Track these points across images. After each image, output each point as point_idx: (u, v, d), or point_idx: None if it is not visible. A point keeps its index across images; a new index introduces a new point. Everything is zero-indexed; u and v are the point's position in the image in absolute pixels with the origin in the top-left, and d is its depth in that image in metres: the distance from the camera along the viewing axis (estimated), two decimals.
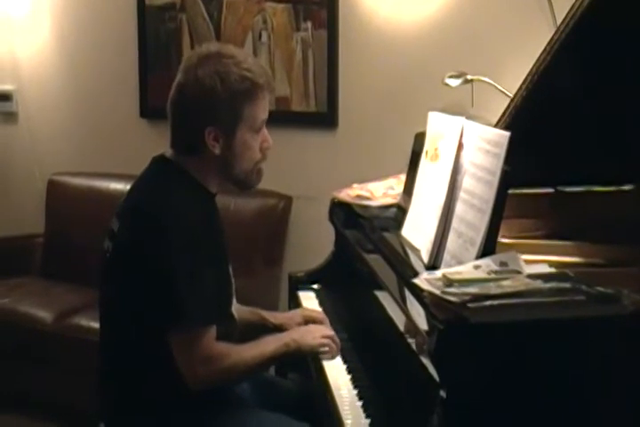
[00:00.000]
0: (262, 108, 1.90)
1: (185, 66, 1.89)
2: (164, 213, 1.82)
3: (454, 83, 2.87)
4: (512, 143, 1.58)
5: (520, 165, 1.58)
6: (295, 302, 2.41)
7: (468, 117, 1.84)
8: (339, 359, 1.99)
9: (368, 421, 1.69)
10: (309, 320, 2.17)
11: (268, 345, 1.92)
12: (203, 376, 1.81)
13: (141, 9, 3.78)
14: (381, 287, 1.90)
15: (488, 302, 1.42)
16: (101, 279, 1.94)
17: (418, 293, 1.54)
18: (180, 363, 1.80)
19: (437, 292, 1.47)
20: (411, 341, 1.64)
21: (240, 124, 1.86)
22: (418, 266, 1.79)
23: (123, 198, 1.96)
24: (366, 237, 2.16)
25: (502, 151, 1.59)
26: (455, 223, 1.73)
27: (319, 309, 2.31)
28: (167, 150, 1.95)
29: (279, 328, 2.15)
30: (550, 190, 2.15)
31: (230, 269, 2.00)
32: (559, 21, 1.87)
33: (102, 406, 1.97)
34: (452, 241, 1.72)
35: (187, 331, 1.80)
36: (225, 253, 1.98)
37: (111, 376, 1.94)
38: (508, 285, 1.47)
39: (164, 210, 1.82)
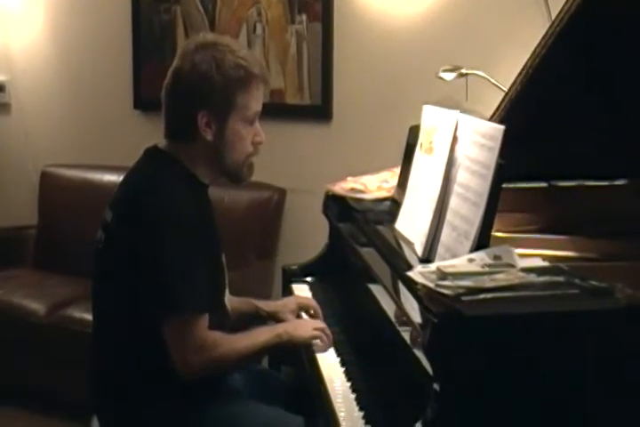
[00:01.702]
0: (255, 99, 1.91)
1: (182, 52, 1.91)
2: (157, 203, 1.82)
3: (449, 76, 2.87)
4: (506, 137, 1.58)
5: (514, 158, 1.58)
6: (289, 295, 2.40)
7: (463, 111, 1.84)
8: (332, 352, 1.99)
9: (362, 413, 1.69)
10: (302, 308, 2.19)
11: (261, 335, 1.93)
12: (195, 365, 1.81)
13: (136, 0, 3.77)
14: (375, 280, 1.90)
15: (482, 296, 1.43)
16: (94, 270, 1.94)
17: (412, 286, 1.54)
18: (172, 351, 1.81)
19: (431, 285, 1.47)
20: (404, 334, 1.64)
21: (233, 111, 1.87)
22: (412, 259, 1.80)
23: (116, 189, 1.96)
24: (360, 230, 2.16)
25: (497, 145, 1.59)
26: (449, 217, 1.73)
27: None
28: (160, 141, 1.95)
29: (272, 316, 2.16)
30: (544, 184, 2.15)
31: (223, 260, 2.01)
32: (554, 15, 1.87)
33: (95, 397, 1.97)
34: (446, 234, 1.73)
35: (179, 319, 1.81)
36: (218, 244, 1.99)
37: (104, 367, 1.95)
38: (502, 278, 1.48)
39: (156, 200, 1.83)
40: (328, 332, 2.02)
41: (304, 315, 2.18)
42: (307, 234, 3.31)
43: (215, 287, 1.93)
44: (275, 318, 2.15)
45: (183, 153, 1.91)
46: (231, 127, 1.89)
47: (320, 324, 2.05)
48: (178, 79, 1.89)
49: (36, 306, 3.31)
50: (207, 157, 1.91)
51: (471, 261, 1.54)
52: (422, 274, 1.52)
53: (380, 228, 2.07)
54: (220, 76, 1.85)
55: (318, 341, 1.99)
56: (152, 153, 1.95)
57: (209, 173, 1.95)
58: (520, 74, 1.90)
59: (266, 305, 2.20)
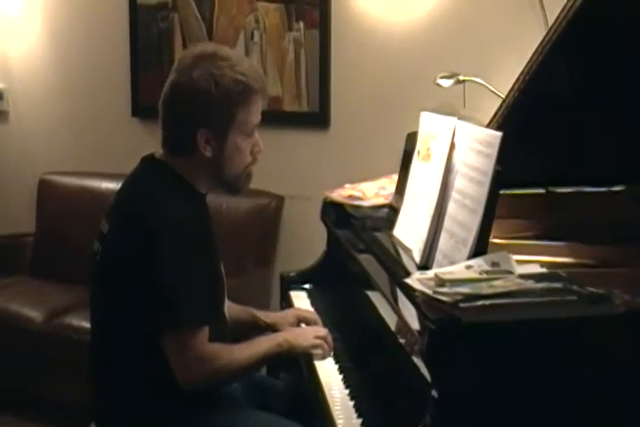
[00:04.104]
0: (255, 113, 1.89)
1: (179, 66, 1.87)
2: (153, 215, 1.81)
3: (446, 83, 2.88)
4: (504, 143, 1.58)
5: (512, 165, 1.58)
6: (287, 302, 2.40)
7: (460, 118, 1.84)
8: (330, 359, 1.99)
9: (360, 420, 1.68)
10: (302, 320, 2.17)
11: (261, 345, 1.92)
12: (196, 377, 1.81)
13: (133, 8, 3.77)
14: (373, 287, 1.90)
15: (480, 302, 1.43)
16: (91, 281, 1.94)
17: (410, 293, 1.54)
18: (173, 364, 1.80)
19: (429, 292, 1.47)
20: (402, 341, 1.64)
21: (232, 127, 1.85)
22: (410, 266, 1.80)
23: (112, 199, 1.95)
24: (358, 237, 2.16)
25: (494, 152, 1.59)
26: (447, 223, 1.73)
27: (311, 309, 2.30)
28: (157, 150, 1.94)
29: (271, 327, 2.15)
30: (542, 191, 2.15)
31: (222, 269, 2.00)
32: (551, 22, 1.88)
33: (93, 405, 1.96)
34: (443, 241, 1.73)
35: (179, 332, 1.80)
36: (216, 253, 1.98)
37: (102, 376, 1.94)
38: (500, 285, 1.48)
39: (152, 211, 1.81)
40: (329, 338, 2.01)
41: (304, 326, 2.17)
42: (305, 241, 3.31)
43: (214, 297, 1.92)
44: (273, 329, 2.14)
45: (180, 164, 1.89)
46: (231, 142, 1.86)
47: (322, 331, 2.04)
48: (176, 95, 1.86)
49: (34, 314, 3.30)
50: (205, 169, 1.89)
51: (469, 267, 1.54)
52: (420, 281, 1.53)
53: (378, 235, 2.08)
54: (220, 93, 1.81)
55: (319, 349, 1.99)
56: (148, 162, 1.94)
57: (206, 183, 1.93)
58: (517, 80, 1.91)
59: (265, 316, 2.19)
